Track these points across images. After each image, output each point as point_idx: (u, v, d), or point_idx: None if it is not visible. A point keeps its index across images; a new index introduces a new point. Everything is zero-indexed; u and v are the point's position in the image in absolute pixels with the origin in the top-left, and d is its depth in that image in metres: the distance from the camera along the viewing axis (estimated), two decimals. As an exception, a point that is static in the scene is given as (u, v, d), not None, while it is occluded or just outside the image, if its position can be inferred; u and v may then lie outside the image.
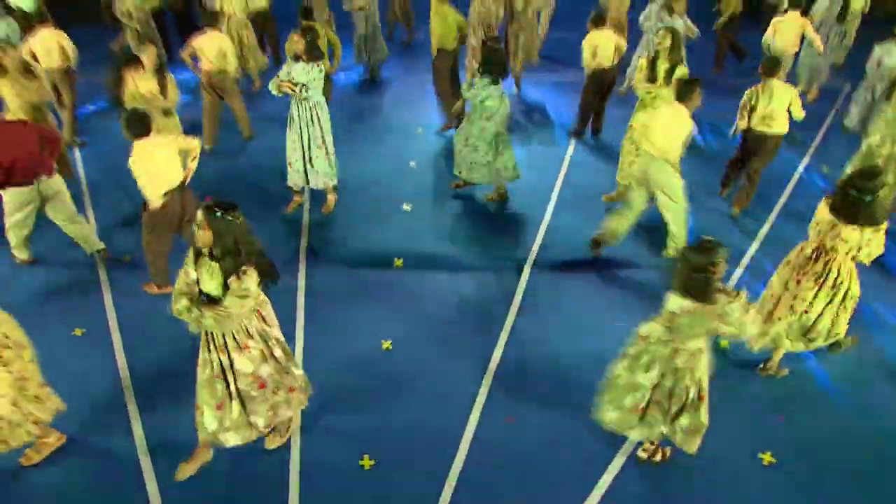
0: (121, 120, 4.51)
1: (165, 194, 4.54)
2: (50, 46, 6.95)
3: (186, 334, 3.58)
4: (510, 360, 4.41)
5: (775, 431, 3.91)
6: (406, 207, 6.27)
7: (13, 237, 5.22)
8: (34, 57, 6.85)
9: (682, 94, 4.90)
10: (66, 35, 7.12)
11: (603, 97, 7.53)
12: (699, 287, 3.03)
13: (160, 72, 5.87)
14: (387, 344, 4.54)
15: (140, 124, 4.46)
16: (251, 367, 3.33)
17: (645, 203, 5.22)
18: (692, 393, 3.32)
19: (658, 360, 3.31)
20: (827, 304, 3.99)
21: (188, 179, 4.72)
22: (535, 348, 4.51)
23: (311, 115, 5.57)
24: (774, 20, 8.07)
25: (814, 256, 3.96)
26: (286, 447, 3.75)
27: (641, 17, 8.42)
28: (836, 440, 3.87)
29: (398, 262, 5.41)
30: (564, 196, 6.49)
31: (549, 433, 3.88)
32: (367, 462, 3.69)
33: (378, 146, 7.60)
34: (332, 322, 4.75)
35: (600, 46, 7.12)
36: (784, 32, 7.91)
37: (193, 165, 4.75)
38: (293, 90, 5.41)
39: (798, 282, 4.01)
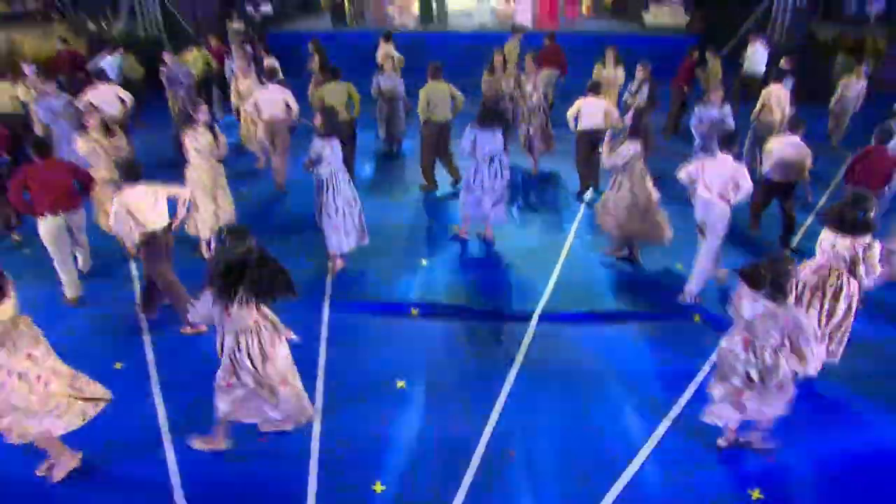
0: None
1: (147, 234, 5.15)
2: (110, 99, 8.10)
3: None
4: (513, 405, 4.71)
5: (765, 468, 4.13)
6: (423, 262, 6.69)
7: (64, 275, 5.79)
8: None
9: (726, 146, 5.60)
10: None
11: (590, 157, 8.07)
12: (779, 290, 3.62)
13: (212, 127, 6.54)
14: (401, 383, 4.87)
15: (132, 171, 5.13)
16: None
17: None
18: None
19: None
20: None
21: (176, 225, 5.37)
22: (537, 394, 4.81)
23: (322, 186, 6.08)
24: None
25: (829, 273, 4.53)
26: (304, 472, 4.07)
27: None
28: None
29: (414, 311, 5.79)
30: (574, 252, 6.89)
31: (552, 467, 4.14)
32: (378, 487, 3.98)
33: (400, 205, 8.18)
34: (353, 360, 5.11)
35: (583, 111, 7.79)
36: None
37: (182, 212, 5.38)
38: (309, 168, 6.02)
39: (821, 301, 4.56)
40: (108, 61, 11.02)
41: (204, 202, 6.31)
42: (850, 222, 4.40)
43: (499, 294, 6.12)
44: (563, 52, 11.52)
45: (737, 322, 3.87)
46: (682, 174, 5.76)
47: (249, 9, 16.87)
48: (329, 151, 5.89)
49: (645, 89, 9.13)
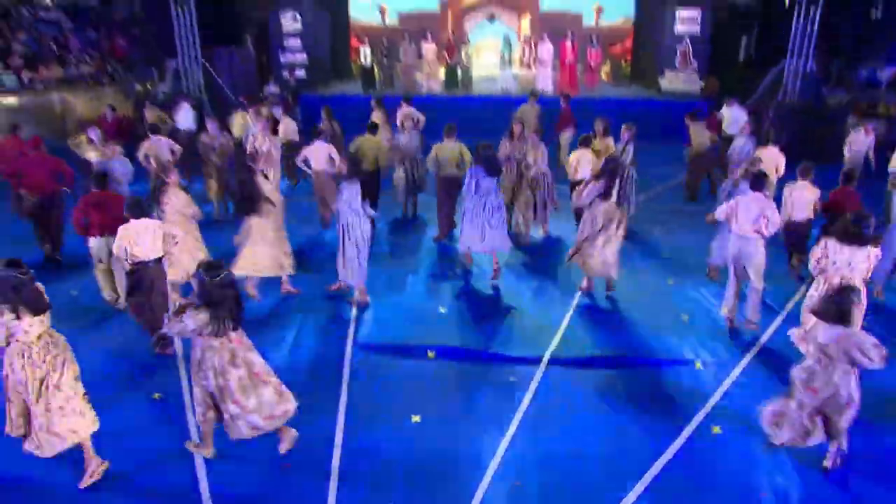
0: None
1: (138, 264, 5.83)
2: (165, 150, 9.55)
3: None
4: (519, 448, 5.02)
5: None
6: (442, 310, 7.11)
7: (102, 282, 6.93)
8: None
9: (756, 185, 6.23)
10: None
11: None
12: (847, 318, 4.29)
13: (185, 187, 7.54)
14: (416, 417, 5.21)
15: (139, 207, 5.88)
16: None
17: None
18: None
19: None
20: None
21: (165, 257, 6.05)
22: (540, 434, 5.12)
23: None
24: None
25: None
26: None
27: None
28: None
29: (430, 353, 6.17)
30: (582, 304, 7.25)
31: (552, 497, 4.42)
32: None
33: (417, 253, 8.76)
34: (371, 398, 5.48)
35: (581, 161, 8.80)
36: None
37: (173, 250, 6.08)
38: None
39: None
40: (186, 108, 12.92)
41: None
42: (862, 236, 5.26)
43: (510, 338, 6.50)
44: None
45: (809, 351, 4.40)
46: (720, 213, 6.38)
47: (285, 73, 17.96)
48: (344, 193, 6.70)
49: (630, 149, 9.61)
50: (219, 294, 4.19)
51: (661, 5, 18.06)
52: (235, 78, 17.84)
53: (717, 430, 5.00)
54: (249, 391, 4.39)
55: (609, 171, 6.87)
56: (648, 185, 11.23)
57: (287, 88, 16.39)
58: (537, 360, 5.99)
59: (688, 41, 17.30)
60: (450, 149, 8.87)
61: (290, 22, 18.20)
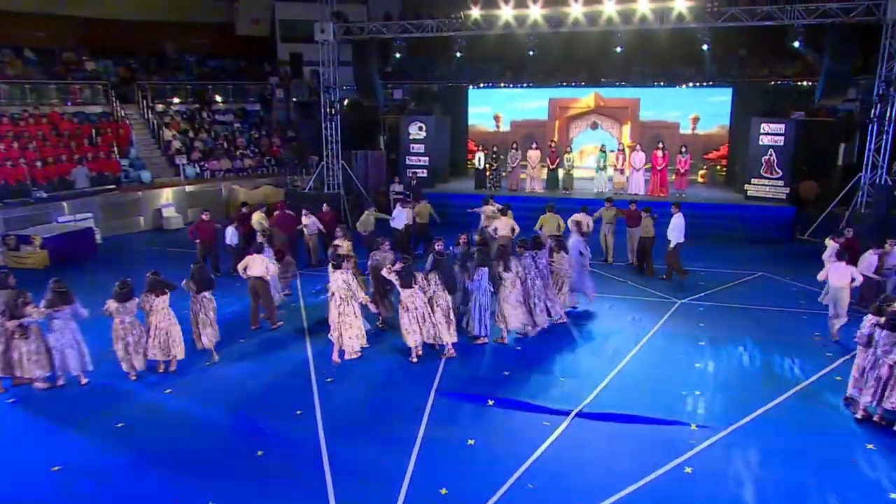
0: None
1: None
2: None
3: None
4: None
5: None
6: (505, 373, 9.08)
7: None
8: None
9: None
10: None
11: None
12: None
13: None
14: (471, 441, 7.17)
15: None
16: None
17: None
18: None
19: None
20: None
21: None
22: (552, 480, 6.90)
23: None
24: None
25: None
26: None
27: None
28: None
29: (490, 402, 8.13)
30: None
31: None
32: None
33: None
34: (448, 438, 7.51)
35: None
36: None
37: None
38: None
39: None
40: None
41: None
42: None
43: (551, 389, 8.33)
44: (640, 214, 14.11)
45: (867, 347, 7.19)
46: (821, 275, 9.90)
47: (410, 173, 21.07)
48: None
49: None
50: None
51: (748, 118, 19.69)
52: (369, 176, 21.20)
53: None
54: None
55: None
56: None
57: (409, 187, 19.35)
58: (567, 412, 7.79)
59: (772, 151, 18.65)
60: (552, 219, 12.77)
61: (415, 131, 21.46)
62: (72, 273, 10.42)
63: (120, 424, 7.63)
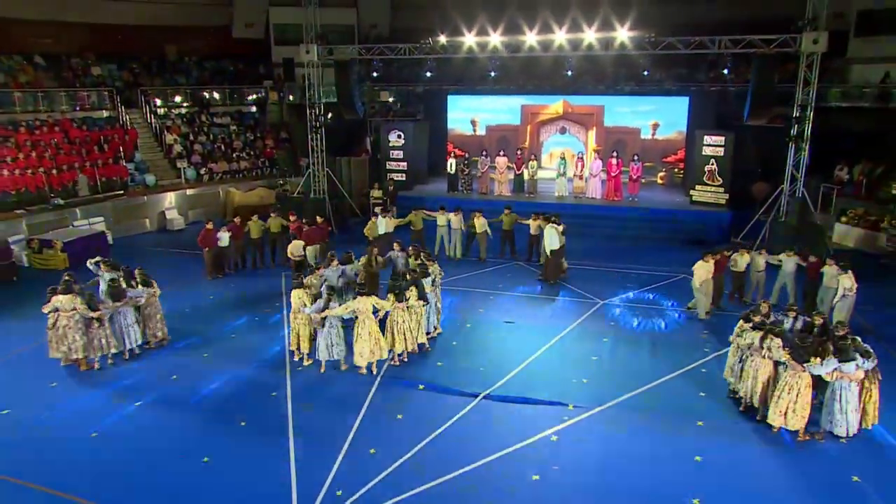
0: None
1: None
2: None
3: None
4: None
5: None
6: (439, 364, 11.27)
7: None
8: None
9: None
10: None
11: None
12: None
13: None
14: (399, 416, 9.37)
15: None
16: None
17: None
18: None
19: None
20: None
21: None
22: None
23: None
24: None
25: None
26: None
27: None
28: None
29: (421, 387, 10.33)
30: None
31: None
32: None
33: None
34: (384, 423, 9.73)
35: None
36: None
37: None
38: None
39: None
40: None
41: None
42: None
43: (470, 376, 10.49)
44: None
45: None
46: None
47: (389, 179, 23.17)
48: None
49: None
50: None
51: (703, 124, 21.82)
52: (353, 182, 23.35)
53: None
54: None
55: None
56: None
57: (386, 192, 21.46)
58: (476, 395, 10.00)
59: (714, 161, 20.73)
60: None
61: (395, 138, 23.54)
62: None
63: (138, 403, 9.88)
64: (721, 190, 20.84)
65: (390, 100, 28.96)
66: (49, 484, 7.92)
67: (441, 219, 17.34)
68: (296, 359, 11.20)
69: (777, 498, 7.64)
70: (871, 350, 8.94)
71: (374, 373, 10.74)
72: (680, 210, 21.27)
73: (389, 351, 10.96)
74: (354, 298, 10.79)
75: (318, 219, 16.83)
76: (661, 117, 25.08)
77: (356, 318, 10.54)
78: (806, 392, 8.76)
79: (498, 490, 7.75)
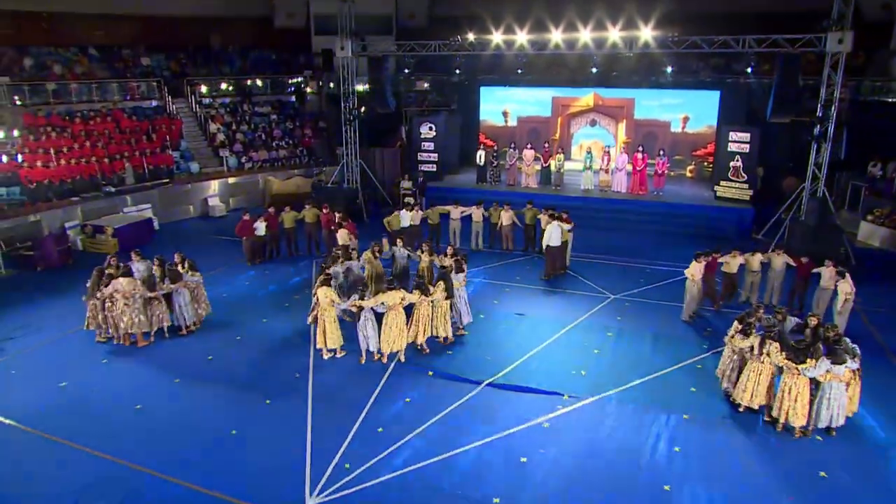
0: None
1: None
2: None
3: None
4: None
5: None
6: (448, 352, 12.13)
7: None
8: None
9: None
10: None
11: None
12: None
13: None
14: (408, 399, 10.29)
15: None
16: None
17: None
18: None
19: None
20: None
21: None
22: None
23: None
24: None
25: None
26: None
27: None
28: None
29: (430, 373, 11.21)
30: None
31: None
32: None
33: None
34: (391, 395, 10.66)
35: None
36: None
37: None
38: None
39: None
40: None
41: None
42: None
43: (477, 365, 11.31)
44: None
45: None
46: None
47: (420, 169, 24.00)
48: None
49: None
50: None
51: (724, 124, 21.99)
52: (385, 172, 24.27)
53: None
54: None
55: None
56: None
57: (416, 184, 22.29)
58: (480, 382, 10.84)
59: (739, 157, 20.92)
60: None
61: (426, 130, 24.31)
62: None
63: (177, 381, 11.02)
64: (745, 186, 21.01)
65: (426, 86, 29.69)
66: (99, 448, 9.09)
67: (454, 212, 18.06)
68: (325, 357, 11.81)
69: (746, 485, 8.28)
70: (857, 349, 9.45)
71: (402, 361, 11.63)
72: (702, 205, 21.52)
73: (413, 342, 11.81)
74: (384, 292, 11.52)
75: (337, 214, 17.33)
76: (691, 111, 25.21)
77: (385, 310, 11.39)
78: (805, 392, 9.29)
79: (488, 469, 8.60)
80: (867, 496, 8.14)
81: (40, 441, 9.32)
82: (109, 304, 11.99)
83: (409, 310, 11.71)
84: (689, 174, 25.50)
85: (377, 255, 13.96)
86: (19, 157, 19.16)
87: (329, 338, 11.66)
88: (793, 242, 17.41)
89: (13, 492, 8.32)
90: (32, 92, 22.51)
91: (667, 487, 8.21)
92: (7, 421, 9.79)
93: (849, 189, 22.27)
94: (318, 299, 11.57)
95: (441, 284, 11.81)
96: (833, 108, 17.26)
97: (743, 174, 21.02)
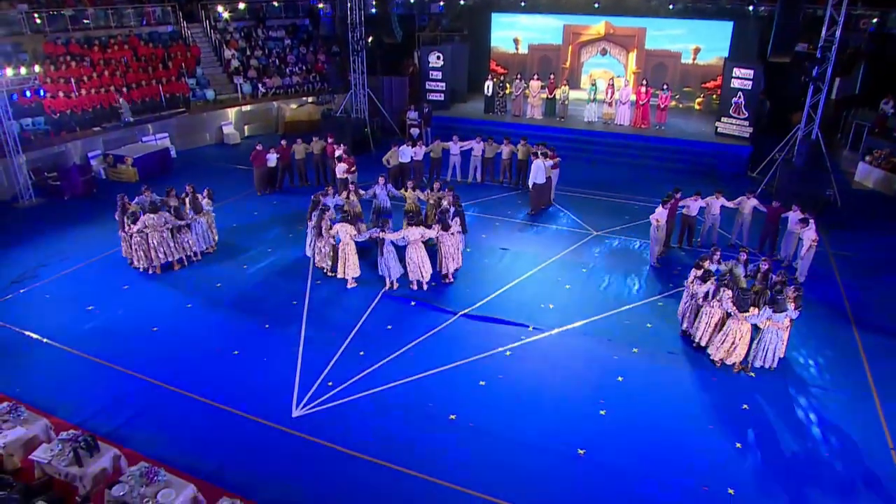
0: None
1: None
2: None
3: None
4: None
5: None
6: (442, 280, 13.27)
7: None
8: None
9: None
10: None
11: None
12: None
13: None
14: (389, 326, 11.55)
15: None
16: None
17: None
18: None
19: None
20: None
21: None
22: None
23: None
24: None
25: None
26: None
27: None
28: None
29: (413, 303, 12.39)
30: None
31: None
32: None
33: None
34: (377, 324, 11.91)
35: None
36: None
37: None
38: None
39: None
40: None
41: None
42: None
43: (455, 297, 12.47)
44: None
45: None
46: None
47: (427, 99, 24.49)
48: None
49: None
50: None
51: (736, 56, 21.98)
52: (394, 102, 24.82)
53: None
54: None
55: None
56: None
57: (420, 113, 22.89)
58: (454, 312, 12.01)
59: (741, 94, 21.06)
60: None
61: (434, 60, 24.62)
62: (156, 185, 15.25)
63: (189, 305, 12.40)
64: (745, 123, 21.25)
65: (441, 3, 29.56)
66: (121, 364, 10.55)
67: (454, 147, 18.82)
68: (350, 286, 12.97)
69: (674, 412, 9.45)
70: (801, 295, 10.31)
71: (424, 289, 12.87)
72: (702, 142, 21.83)
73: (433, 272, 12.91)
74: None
75: (336, 148, 18.06)
76: (703, 42, 25.08)
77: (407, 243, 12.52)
78: (746, 336, 10.33)
79: (450, 390, 9.90)
80: (779, 426, 9.24)
81: (72, 357, 10.80)
82: (139, 238, 13.29)
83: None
84: (697, 106, 25.68)
85: (356, 193, 14.82)
86: (41, 91, 20.12)
87: (349, 268, 12.95)
88: (782, 183, 17.92)
89: (48, 399, 9.79)
90: (50, 19, 23.15)
91: (602, 412, 9.42)
92: (45, 340, 11.29)
93: (852, 128, 22.37)
94: (332, 235, 13.00)
95: (458, 220, 13.06)
96: (833, 48, 17.25)
97: (744, 111, 21.21)
